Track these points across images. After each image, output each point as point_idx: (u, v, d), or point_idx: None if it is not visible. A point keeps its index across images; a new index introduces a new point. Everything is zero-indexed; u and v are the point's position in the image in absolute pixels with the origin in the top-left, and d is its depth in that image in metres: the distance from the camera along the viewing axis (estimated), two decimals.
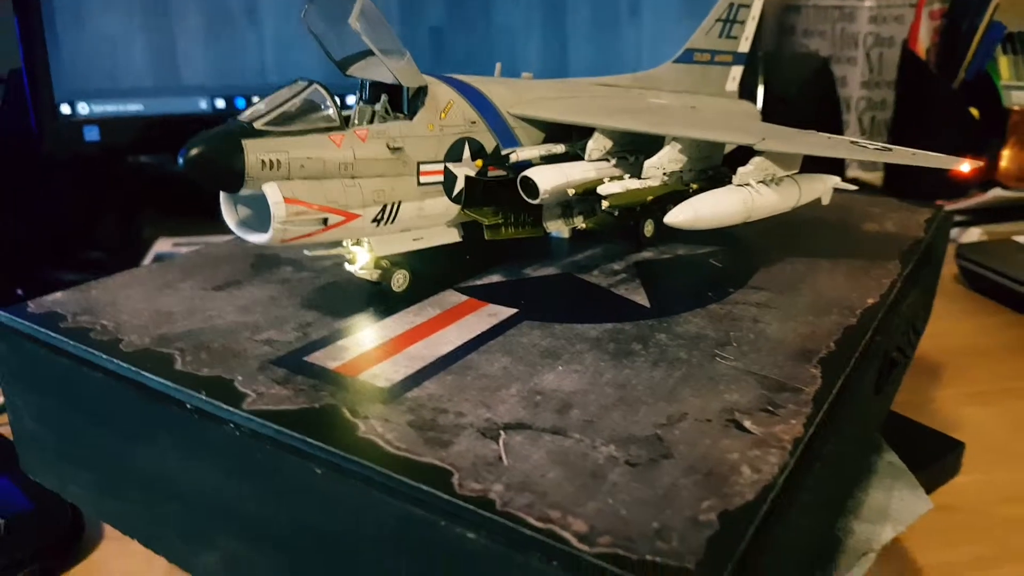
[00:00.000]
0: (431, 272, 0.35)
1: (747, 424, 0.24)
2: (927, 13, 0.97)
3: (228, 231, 0.30)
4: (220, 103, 0.74)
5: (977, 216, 0.89)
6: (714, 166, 0.38)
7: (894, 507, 0.34)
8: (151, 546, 0.30)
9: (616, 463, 0.22)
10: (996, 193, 0.90)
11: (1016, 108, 0.98)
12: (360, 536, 0.22)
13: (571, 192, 0.33)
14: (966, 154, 0.45)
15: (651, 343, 0.29)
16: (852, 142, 0.35)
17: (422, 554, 0.21)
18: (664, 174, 0.35)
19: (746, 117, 0.49)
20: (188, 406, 0.26)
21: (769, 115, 0.85)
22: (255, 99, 0.39)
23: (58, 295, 0.33)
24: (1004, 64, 0.99)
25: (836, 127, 0.96)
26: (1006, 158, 0.98)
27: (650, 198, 0.34)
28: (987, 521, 0.41)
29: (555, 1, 0.77)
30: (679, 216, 0.32)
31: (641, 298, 0.34)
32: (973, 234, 0.86)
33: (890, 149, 0.34)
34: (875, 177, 1.00)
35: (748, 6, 0.49)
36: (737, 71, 0.49)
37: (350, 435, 0.23)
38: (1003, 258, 0.71)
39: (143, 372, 0.27)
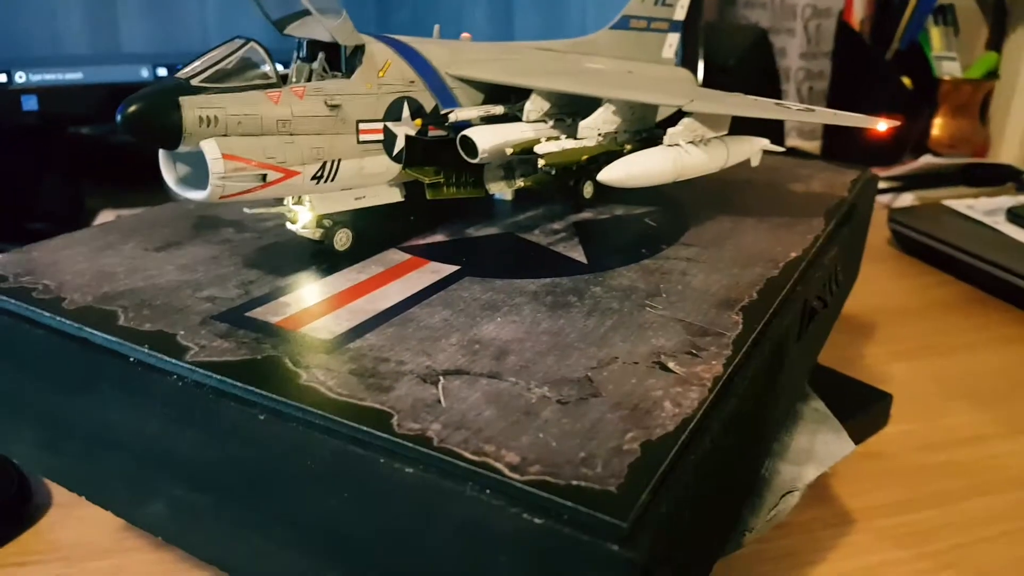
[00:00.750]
0: (375, 231, 0.35)
1: (671, 365, 0.25)
2: None
3: (173, 201, 0.30)
4: (162, 71, 0.73)
5: (910, 182, 0.93)
6: (648, 128, 0.39)
7: (818, 449, 0.36)
8: (97, 501, 0.30)
9: (548, 402, 0.23)
10: (927, 160, 0.94)
11: (947, 78, 1.02)
12: (303, 477, 0.23)
13: (509, 151, 0.34)
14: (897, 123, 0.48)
15: (586, 295, 0.31)
16: (776, 103, 0.37)
17: (363, 491, 0.22)
18: (599, 135, 0.36)
19: (680, 82, 0.50)
20: (131, 359, 0.26)
21: (710, 85, 0.87)
22: None
23: None
24: (935, 35, 1.03)
25: (775, 96, 0.98)
26: (937, 126, 1.02)
27: (585, 157, 0.35)
28: (910, 468, 0.44)
29: None
30: (612, 174, 0.33)
31: (579, 255, 0.35)
32: (906, 199, 0.89)
33: (812, 110, 0.36)
34: (814, 146, 1.03)
35: None
36: (673, 38, 0.50)
37: (292, 383, 0.24)
38: (933, 221, 0.75)
39: (86, 328, 0.27)
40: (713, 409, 0.24)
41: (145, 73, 0.72)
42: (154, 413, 0.26)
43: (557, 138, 0.35)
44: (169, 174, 0.30)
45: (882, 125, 0.35)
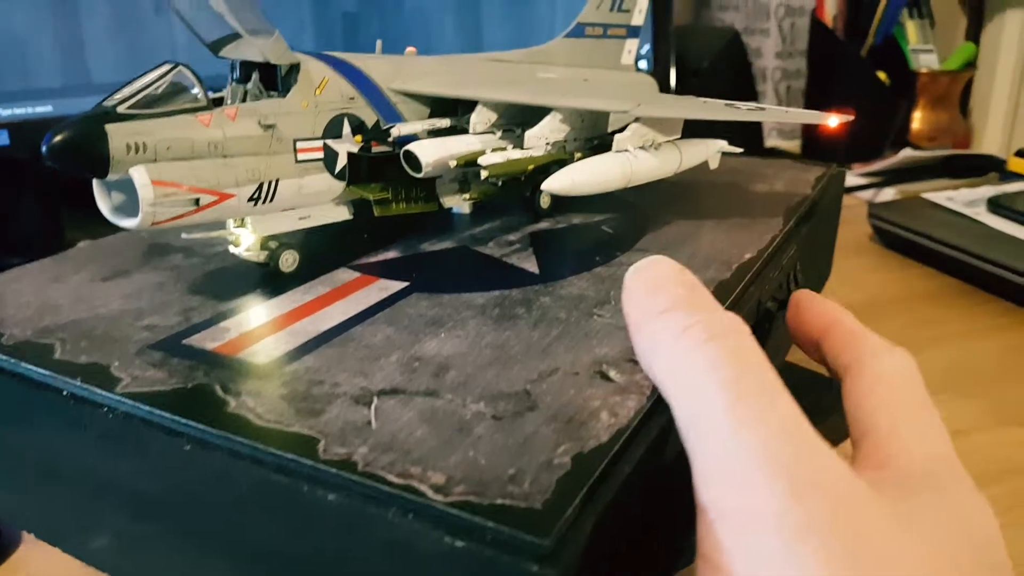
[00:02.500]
0: (325, 251, 0.35)
1: (612, 374, 0.25)
2: None
3: None
4: None
5: (891, 177, 0.92)
6: (600, 135, 0.39)
7: None
8: (44, 537, 0.29)
9: (483, 418, 0.23)
10: (907, 154, 0.93)
11: (924, 71, 1.02)
12: (235, 506, 0.23)
13: (453, 164, 0.33)
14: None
15: (535, 306, 0.30)
16: (727, 104, 0.36)
17: (290, 519, 0.22)
18: (547, 144, 0.36)
19: (635, 87, 0.50)
20: (64, 393, 0.26)
21: (684, 89, 0.87)
22: None
23: None
24: (911, 28, 1.03)
25: (751, 98, 0.98)
26: (917, 119, 1.02)
27: (531, 167, 0.35)
28: None
29: None
30: (556, 183, 0.33)
31: (532, 265, 0.35)
32: (888, 194, 0.89)
33: (763, 109, 0.36)
34: (794, 145, 1.03)
35: None
36: (632, 44, 0.50)
37: (219, 411, 0.23)
38: (913, 215, 0.74)
39: (21, 363, 0.27)
40: (651, 417, 0.23)
41: None
42: (91, 447, 0.26)
43: (504, 149, 0.35)
44: (104, 203, 0.29)
45: (833, 120, 0.35)
